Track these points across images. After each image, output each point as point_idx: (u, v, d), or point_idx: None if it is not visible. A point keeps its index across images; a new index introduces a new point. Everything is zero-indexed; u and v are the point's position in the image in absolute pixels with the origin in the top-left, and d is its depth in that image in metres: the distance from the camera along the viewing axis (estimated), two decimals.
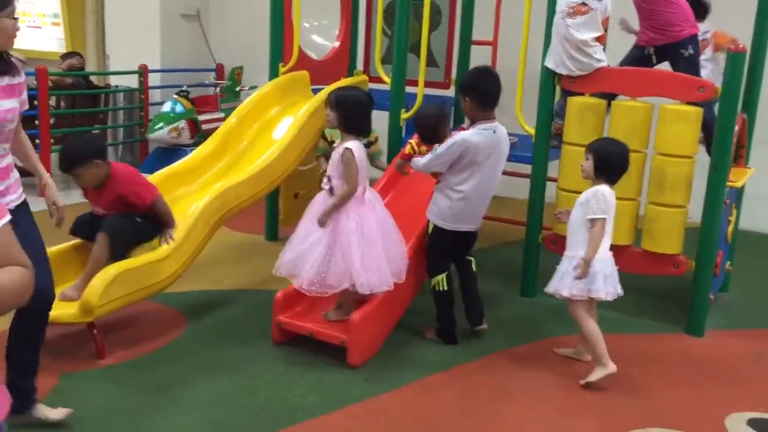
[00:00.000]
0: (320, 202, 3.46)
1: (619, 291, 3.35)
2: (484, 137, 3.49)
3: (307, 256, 3.35)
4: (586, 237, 3.30)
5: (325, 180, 3.45)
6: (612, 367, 3.28)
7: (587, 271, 3.26)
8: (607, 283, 3.30)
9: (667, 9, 4.23)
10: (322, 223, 3.35)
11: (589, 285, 3.29)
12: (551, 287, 3.40)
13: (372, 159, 4.21)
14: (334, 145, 3.60)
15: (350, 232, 3.33)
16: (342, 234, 3.33)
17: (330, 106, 3.44)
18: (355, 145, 3.37)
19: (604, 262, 3.33)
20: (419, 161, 3.64)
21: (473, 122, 3.58)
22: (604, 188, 3.32)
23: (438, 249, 3.69)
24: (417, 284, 3.82)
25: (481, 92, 3.53)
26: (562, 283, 3.34)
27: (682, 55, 4.26)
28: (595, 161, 3.36)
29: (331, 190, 3.40)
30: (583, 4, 3.94)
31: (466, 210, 3.58)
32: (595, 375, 3.29)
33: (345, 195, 3.35)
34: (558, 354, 3.61)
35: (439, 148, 3.50)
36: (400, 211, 3.88)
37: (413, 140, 3.82)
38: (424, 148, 3.74)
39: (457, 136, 3.49)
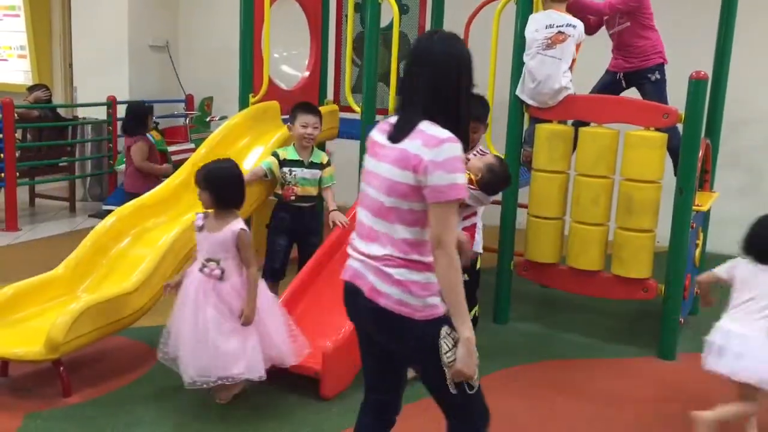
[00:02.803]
0: (198, 280, 3.09)
1: None
2: None
3: (240, 352, 3.06)
4: None
5: (211, 265, 3.08)
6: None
7: None
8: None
9: (640, 43, 4.45)
10: (251, 320, 3.08)
11: None
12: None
13: (321, 184, 4.10)
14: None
15: (260, 311, 3.16)
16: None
17: (198, 185, 3.14)
18: (243, 224, 3.13)
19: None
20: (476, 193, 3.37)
21: (474, 147, 3.53)
22: None
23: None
24: None
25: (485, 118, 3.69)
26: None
27: (649, 79, 4.47)
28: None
29: (222, 275, 3.08)
30: (560, 33, 4.02)
31: None
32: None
33: (255, 277, 3.11)
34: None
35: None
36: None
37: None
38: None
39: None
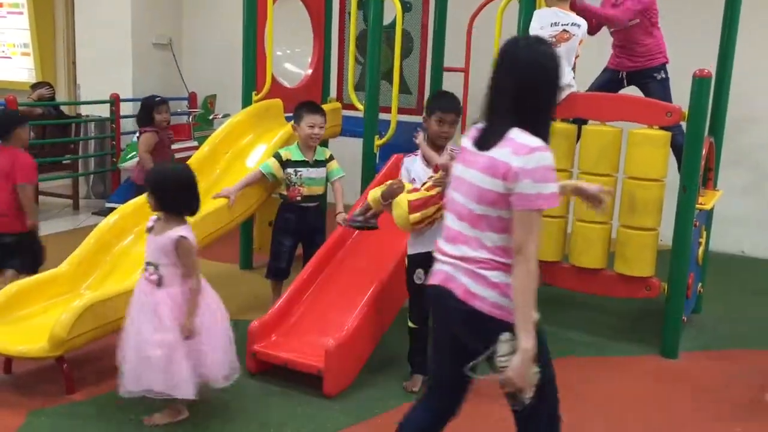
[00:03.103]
0: (141, 284, 2.98)
1: None
2: None
3: (162, 365, 2.86)
4: None
5: (150, 269, 2.95)
6: None
7: None
8: None
9: (647, 41, 4.49)
10: (192, 332, 2.90)
11: None
12: None
13: (330, 177, 4.13)
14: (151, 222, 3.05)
15: (200, 325, 2.98)
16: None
17: (146, 187, 3.05)
18: (186, 231, 2.95)
19: None
20: None
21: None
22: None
23: None
24: (391, 314, 3.79)
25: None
26: None
27: (655, 78, 4.52)
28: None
29: (159, 281, 2.93)
30: (565, 31, 4.02)
31: None
32: None
33: (197, 289, 2.94)
34: None
35: None
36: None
37: None
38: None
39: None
